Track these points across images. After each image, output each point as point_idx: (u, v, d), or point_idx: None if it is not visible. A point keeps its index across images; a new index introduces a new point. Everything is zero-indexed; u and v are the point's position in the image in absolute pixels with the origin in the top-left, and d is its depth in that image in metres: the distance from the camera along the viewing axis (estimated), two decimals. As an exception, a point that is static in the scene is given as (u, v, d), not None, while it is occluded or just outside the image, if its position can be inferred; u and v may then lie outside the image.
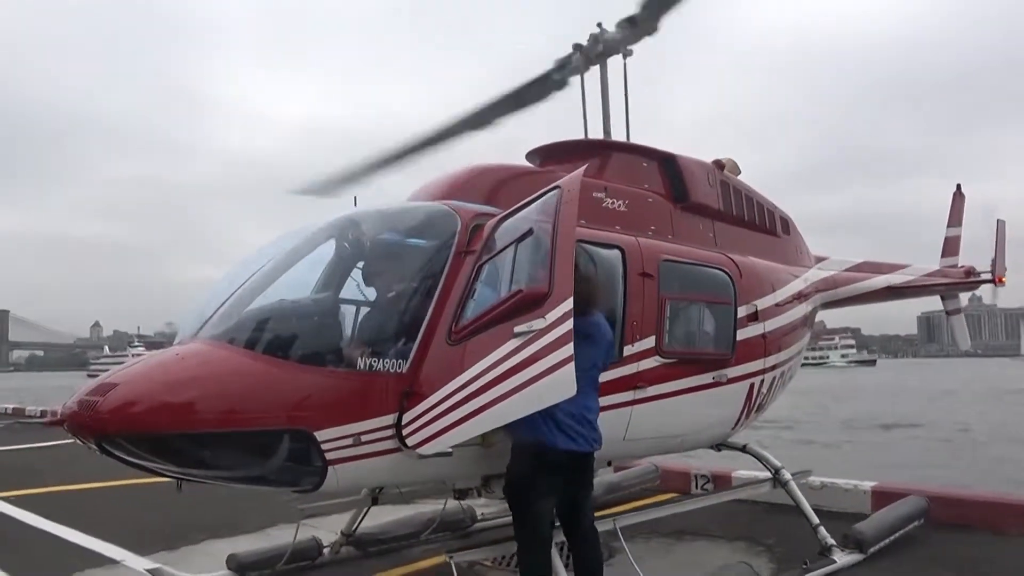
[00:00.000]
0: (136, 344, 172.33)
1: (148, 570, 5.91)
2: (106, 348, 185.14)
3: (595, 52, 6.97)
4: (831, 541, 6.32)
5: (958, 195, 12.29)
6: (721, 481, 8.77)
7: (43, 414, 21.79)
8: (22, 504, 9.31)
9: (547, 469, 4.50)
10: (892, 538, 6.66)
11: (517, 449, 4.58)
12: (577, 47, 6.99)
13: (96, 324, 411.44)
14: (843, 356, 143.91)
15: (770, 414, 8.42)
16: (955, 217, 12.09)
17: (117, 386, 4.00)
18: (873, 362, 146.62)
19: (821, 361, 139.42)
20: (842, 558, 6.21)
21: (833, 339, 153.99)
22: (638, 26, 6.70)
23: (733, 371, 6.43)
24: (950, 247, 11.87)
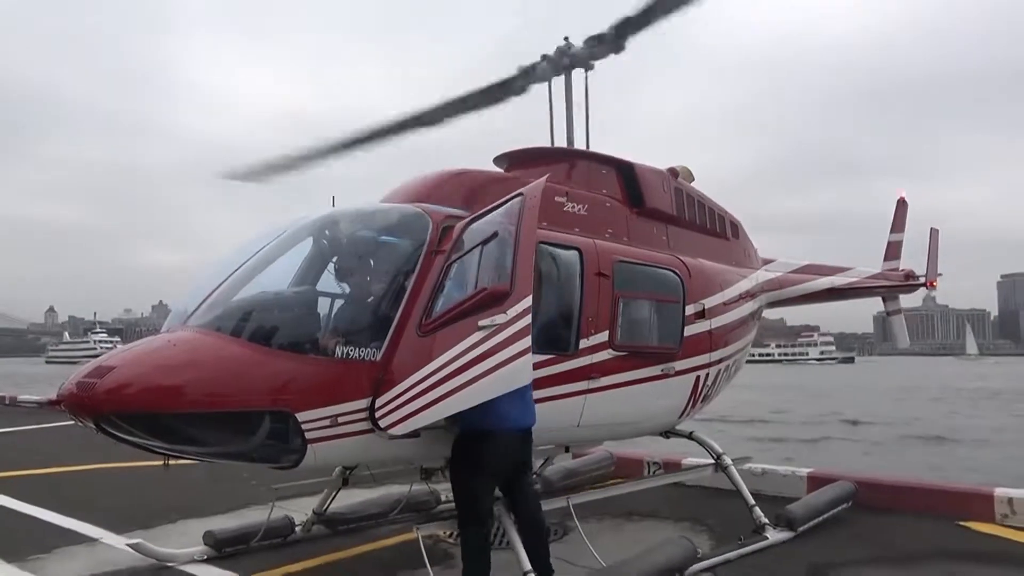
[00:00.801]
0: (98, 331, 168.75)
1: (129, 544, 6.30)
2: (66, 335, 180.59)
3: (561, 64, 7.43)
4: (765, 520, 6.91)
5: (901, 203, 13.03)
6: (672, 468, 9.34)
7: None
8: (1, 488, 9.51)
9: (491, 452, 4.96)
10: (821, 518, 7.28)
11: (466, 433, 5.03)
12: (544, 57, 7.45)
13: (51, 309, 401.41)
14: (821, 353, 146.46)
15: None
16: (898, 224, 12.83)
17: (113, 369, 4.36)
18: (852, 359, 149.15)
19: (799, 358, 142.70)
20: (774, 535, 6.81)
21: (812, 336, 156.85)
22: (605, 44, 7.17)
23: (680, 364, 6.97)
24: (892, 251, 12.60)
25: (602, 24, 7.14)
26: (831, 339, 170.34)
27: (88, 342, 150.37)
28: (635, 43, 7.14)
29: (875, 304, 12.82)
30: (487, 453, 4.97)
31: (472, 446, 5.00)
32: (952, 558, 6.46)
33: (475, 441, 4.98)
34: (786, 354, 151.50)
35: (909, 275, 12.47)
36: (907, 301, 13.45)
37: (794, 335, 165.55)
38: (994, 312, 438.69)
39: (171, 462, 5.05)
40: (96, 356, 4.96)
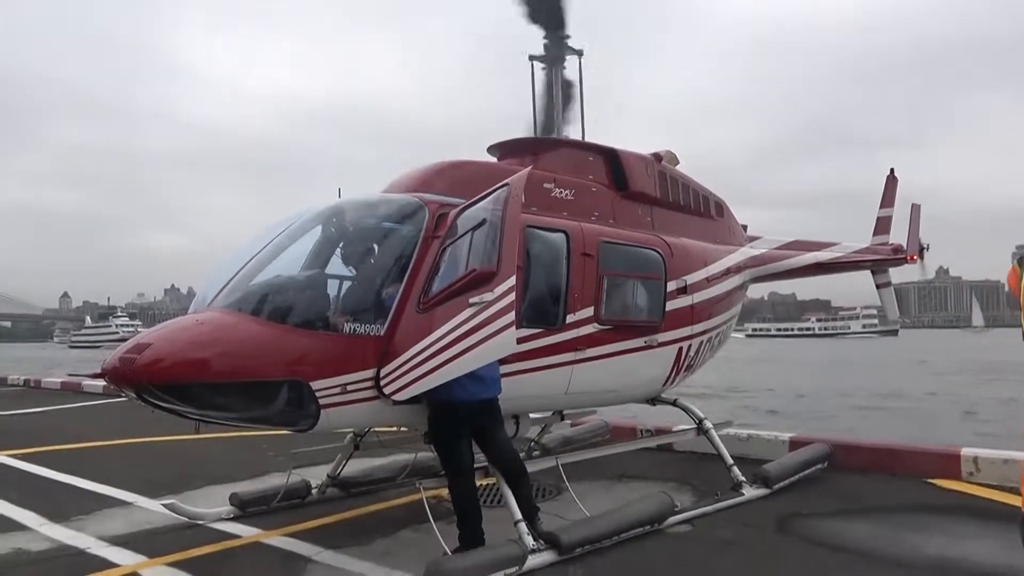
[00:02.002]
0: (120, 314, 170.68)
1: (164, 504, 6.97)
2: (88, 319, 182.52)
3: (554, 55, 7.97)
4: (742, 478, 7.51)
5: (891, 178, 13.33)
6: (662, 434, 9.93)
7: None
8: (33, 460, 10.25)
9: (456, 417, 5.60)
10: (796, 477, 7.87)
11: (433, 404, 5.63)
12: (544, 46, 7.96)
13: (65, 295, 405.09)
14: (864, 327, 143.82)
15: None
16: (887, 199, 13.16)
17: (150, 345, 4.98)
18: (896, 332, 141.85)
19: (841, 332, 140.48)
20: (750, 492, 7.41)
21: (855, 309, 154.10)
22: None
23: (663, 336, 7.54)
24: (881, 226, 12.94)
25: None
26: (873, 312, 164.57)
27: (110, 326, 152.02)
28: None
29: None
30: (448, 417, 5.62)
31: (437, 411, 5.66)
32: (915, 510, 7.03)
33: (439, 408, 5.62)
34: (827, 328, 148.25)
35: (897, 249, 12.81)
36: (918, 274, 13.80)
37: (835, 309, 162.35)
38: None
39: (201, 430, 5.71)
40: (119, 339, 5.62)
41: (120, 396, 5.36)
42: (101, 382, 18.61)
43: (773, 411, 25.35)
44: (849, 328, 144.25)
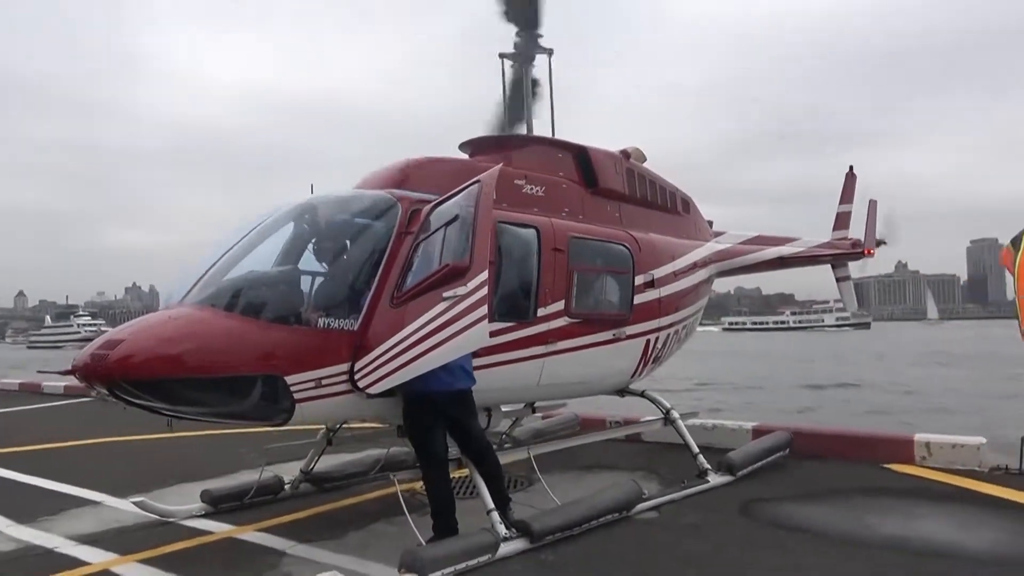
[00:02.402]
0: (81, 313, 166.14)
1: (134, 502, 6.92)
2: (48, 319, 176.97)
3: (526, 53, 8.09)
4: (707, 466, 7.73)
5: (850, 175, 13.70)
6: (630, 424, 10.11)
7: None
8: (-5, 461, 10.06)
9: (431, 408, 5.70)
10: (759, 464, 8.13)
11: (408, 396, 5.72)
12: (515, 43, 8.07)
13: (20, 293, 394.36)
14: (837, 320, 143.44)
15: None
16: (847, 195, 13.52)
17: (122, 341, 4.99)
18: (868, 325, 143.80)
19: (815, 325, 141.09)
20: (715, 479, 7.64)
21: (828, 303, 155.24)
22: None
23: (631, 329, 7.72)
24: (841, 221, 13.29)
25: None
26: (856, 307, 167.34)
27: (72, 326, 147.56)
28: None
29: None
30: (422, 409, 5.72)
31: (412, 404, 5.75)
32: (871, 493, 7.33)
33: (414, 400, 5.72)
34: (801, 322, 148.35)
35: (855, 244, 13.15)
36: (878, 268, 14.24)
37: (809, 303, 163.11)
38: (964, 277, 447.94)
39: (173, 427, 5.73)
40: (82, 339, 5.59)
41: (84, 397, 5.35)
42: (63, 382, 18.39)
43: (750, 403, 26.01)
44: (823, 321, 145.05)
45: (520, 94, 8.77)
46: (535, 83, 8.70)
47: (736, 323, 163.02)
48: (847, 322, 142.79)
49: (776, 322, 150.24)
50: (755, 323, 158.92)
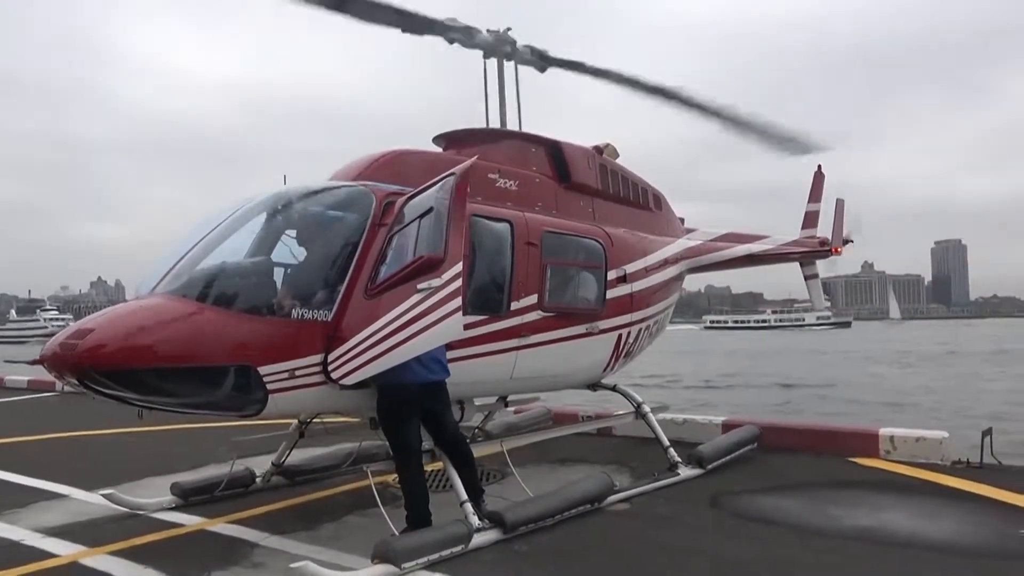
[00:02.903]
0: (48, 307, 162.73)
1: (103, 494, 6.85)
2: (13, 313, 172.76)
3: (498, 49, 8.05)
4: (678, 459, 7.84)
5: (819, 174, 13.90)
6: (602, 418, 10.20)
7: None
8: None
9: (405, 400, 5.71)
10: (728, 457, 8.24)
11: (382, 387, 5.72)
12: (488, 31, 7.99)
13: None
14: (818, 319, 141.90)
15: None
16: (815, 194, 13.72)
17: (92, 331, 4.92)
18: (848, 324, 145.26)
19: (797, 324, 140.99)
20: (685, 472, 7.75)
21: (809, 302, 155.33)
22: (532, 60, 7.93)
23: (603, 323, 7.79)
24: (809, 220, 13.49)
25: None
26: (828, 304, 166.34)
27: (38, 320, 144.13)
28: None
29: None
30: (397, 400, 5.72)
31: (386, 395, 5.75)
32: (838, 486, 7.48)
33: (388, 391, 5.72)
34: (782, 320, 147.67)
35: (823, 242, 13.36)
36: (845, 268, 14.50)
37: (790, 302, 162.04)
38: (928, 277, 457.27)
39: (144, 422, 5.66)
40: (48, 334, 5.50)
41: (48, 391, 5.23)
42: (26, 376, 18.06)
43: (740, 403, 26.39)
44: (804, 320, 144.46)
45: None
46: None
47: (717, 321, 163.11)
48: (828, 321, 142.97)
49: (758, 321, 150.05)
50: (736, 322, 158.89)
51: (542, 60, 7.96)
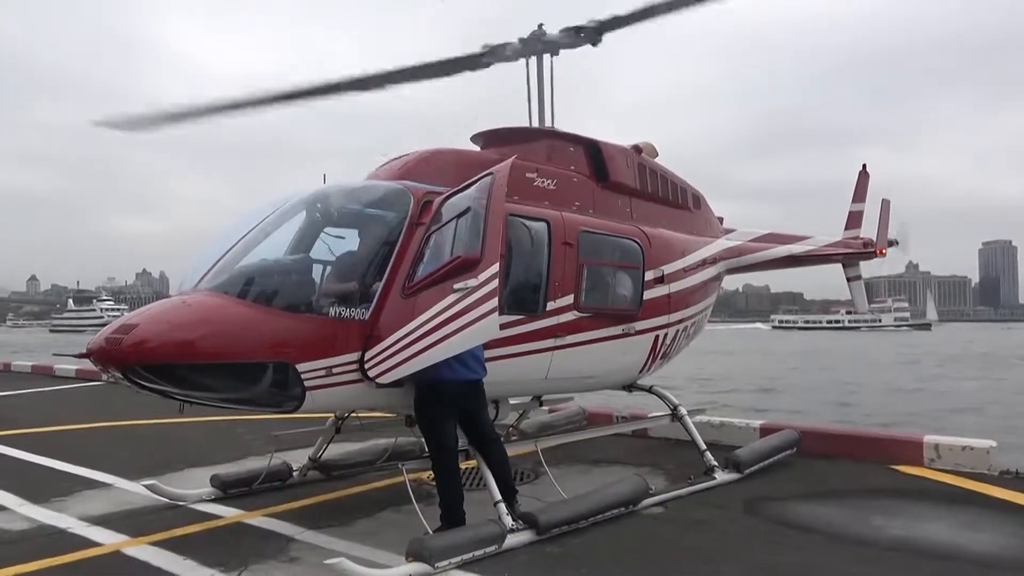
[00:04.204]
0: (104, 298, 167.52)
1: (145, 485, 7.02)
2: (70, 302, 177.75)
3: (533, 48, 8.00)
4: (714, 463, 7.73)
5: (863, 173, 13.61)
6: (637, 419, 10.12)
7: None
8: (6, 443, 10.17)
9: (443, 398, 5.71)
10: (766, 462, 8.11)
11: (419, 386, 5.73)
12: (520, 40, 7.99)
13: (33, 278, 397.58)
14: (896, 319, 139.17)
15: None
16: (859, 194, 13.44)
17: (137, 326, 5.04)
18: (928, 326, 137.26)
19: (873, 325, 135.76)
20: (721, 476, 7.64)
21: (886, 302, 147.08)
22: (583, 36, 7.75)
23: (640, 324, 7.72)
24: (853, 220, 13.22)
25: (582, 16, 7.76)
26: (906, 304, 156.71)
27: (94, 310, 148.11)
28: (612, 37, 7.75)
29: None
30: (435, 398, 5.72)
31: (423, 393, 5.76)
32: (878, 494, 7.30)
33: (425, 390, 5.73)
34: (856, 321, 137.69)
35: (867, 243, 13.08)
36: (889, 268, 14.16)
37: (880, 300, 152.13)
38: (975, 279, 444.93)
39: (184, 412, 5.77)
40: (103, 324, 5.63)
41: (96, 380, 5.37)
42: (75, 365, 18.57)
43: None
44: (880, 321, 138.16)
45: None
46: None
47: (786, 321, 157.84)
48: (906, 322, 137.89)
49: (830, 321, 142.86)
50: (807, 322, 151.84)
51: (594, 32, 7.63)
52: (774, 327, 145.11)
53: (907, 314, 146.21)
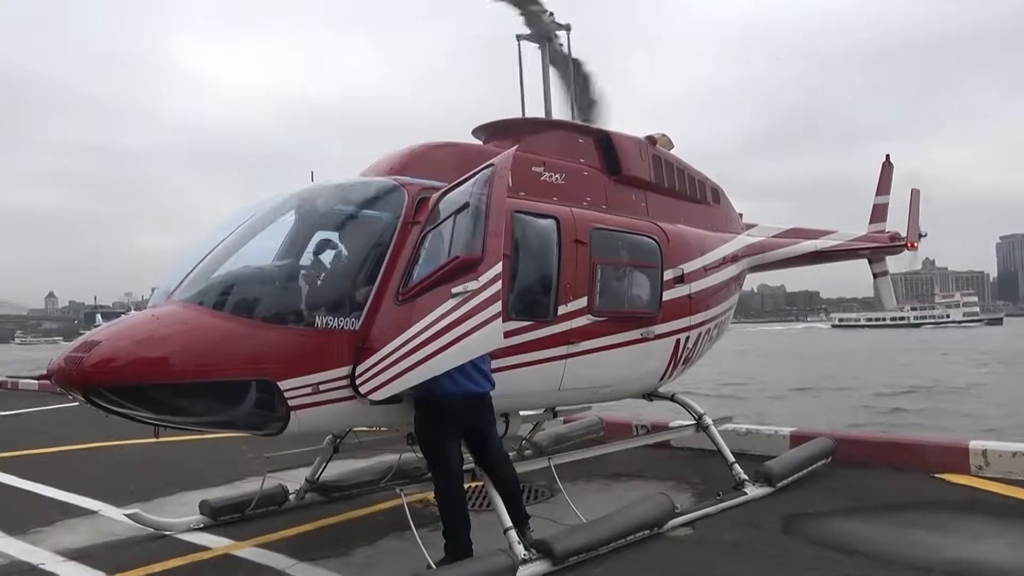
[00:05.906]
0: (108, 312, 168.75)
1: (127, 514, 6.48)
2: (99, 318, 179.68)
3: (543, 34, 7.51)
4: (744, 476, 7.11)
5: (887, 165, 13.00)
6: (659, 430, 9.54)
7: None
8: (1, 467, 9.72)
9: (445, 414, 5.15)
10: (800, 474, 7.48)
11: (418, 401, 5.18)
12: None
13: (51, 295, 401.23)
14: (965, 315, 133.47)
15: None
16: (884, 186, 12.82)
17: (99, 343, 4.51)
18: (1000, 320, 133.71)
19: (940, 321, 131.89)
20: (753, 491, 7.01)
21: (953, 296, 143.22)
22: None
23: (660, 328, 7.13)
24: (878, 214, 12.60)
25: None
26: (975, 298, 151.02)
27: (99, 326, 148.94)
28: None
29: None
30: (436, 415, 5.17)
31: (424, 410, 5.22)
32: (925, 507, 6.69)
33: (426, 406, 5.19)
34: (923, 317, 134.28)
35: (894, 237, 12.47)
36: (907, 265, 13.51)
37: (930, 296, 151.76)
38: (993, 274, 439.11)
39: (163, 435, 5.24)
40: None
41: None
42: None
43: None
44: (948, 316, 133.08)
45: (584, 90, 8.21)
46: (578, 63, 8.05)
47: (847, 319, 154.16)
48: (976, 317, 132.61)
49: (895, 318, 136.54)
50: (869, 320, 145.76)
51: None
52: (834, 326, 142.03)
53: (977, 308, 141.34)
